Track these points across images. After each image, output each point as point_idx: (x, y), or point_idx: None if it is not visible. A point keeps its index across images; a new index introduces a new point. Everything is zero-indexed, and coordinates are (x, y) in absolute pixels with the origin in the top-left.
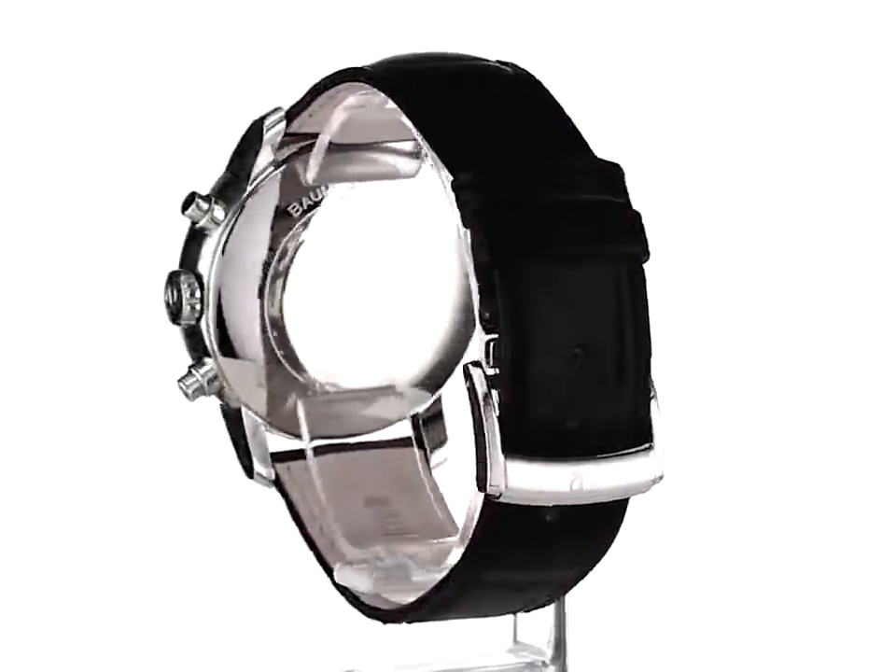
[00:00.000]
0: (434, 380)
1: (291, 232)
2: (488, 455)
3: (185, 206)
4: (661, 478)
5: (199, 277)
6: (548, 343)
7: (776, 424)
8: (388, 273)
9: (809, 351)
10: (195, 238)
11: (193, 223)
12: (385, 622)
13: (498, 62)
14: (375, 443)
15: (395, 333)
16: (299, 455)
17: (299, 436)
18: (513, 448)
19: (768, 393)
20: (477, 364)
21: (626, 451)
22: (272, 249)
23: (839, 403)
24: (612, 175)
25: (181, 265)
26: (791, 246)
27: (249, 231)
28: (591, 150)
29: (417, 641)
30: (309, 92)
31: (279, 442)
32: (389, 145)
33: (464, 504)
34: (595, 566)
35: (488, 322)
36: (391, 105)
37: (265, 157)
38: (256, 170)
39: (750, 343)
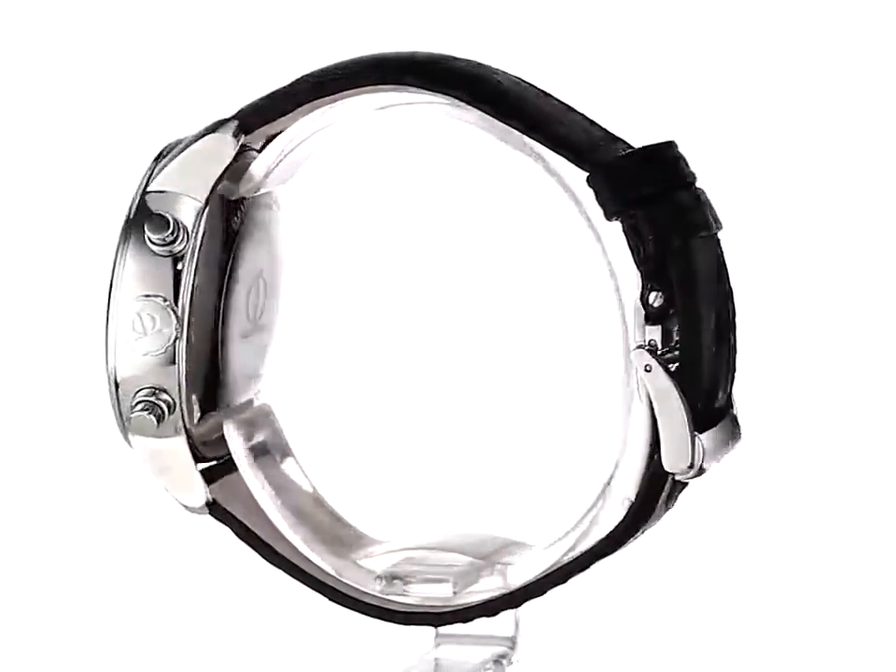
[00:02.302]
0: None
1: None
2: (686, 435)
3: (156, 229)
4: None
5: (167, 300)
6: (707, 325)
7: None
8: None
9: (807, 350)
10: (153, 260)
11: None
12: (436, 625)
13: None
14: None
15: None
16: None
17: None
18: (699, 426)
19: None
20: (647, 349)
21: (733, 414)
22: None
23: (839, 402)
24: (679, 157)
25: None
26: (789, 248)
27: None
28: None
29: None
30: (295, 98)
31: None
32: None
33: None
34: None
35: (659, 308)
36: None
37: (222, 173)
38: (210, 187)
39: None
